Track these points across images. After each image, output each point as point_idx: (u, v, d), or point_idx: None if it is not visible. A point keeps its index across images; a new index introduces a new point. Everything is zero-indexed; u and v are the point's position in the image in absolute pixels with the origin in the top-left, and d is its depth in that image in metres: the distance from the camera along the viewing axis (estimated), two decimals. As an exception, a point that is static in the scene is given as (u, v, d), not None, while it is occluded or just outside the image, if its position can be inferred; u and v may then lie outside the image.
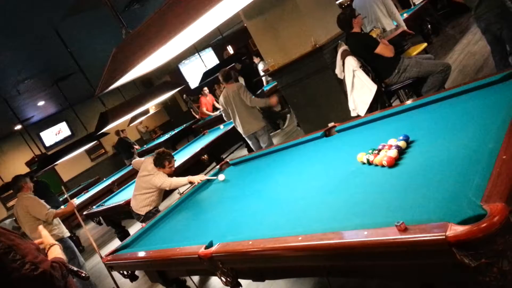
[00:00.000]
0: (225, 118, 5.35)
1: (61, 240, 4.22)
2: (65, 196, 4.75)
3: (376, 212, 1.45)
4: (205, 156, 5.25)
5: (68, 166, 12.09)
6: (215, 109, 9.98)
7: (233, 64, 8.37)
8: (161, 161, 3.76)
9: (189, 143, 7.18)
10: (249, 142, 5.11)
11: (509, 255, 1.05)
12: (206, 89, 9.87)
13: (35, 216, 4.07)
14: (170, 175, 3.85)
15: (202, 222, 2.49)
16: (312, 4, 4.28)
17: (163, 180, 3.72)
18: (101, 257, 4.36)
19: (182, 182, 3.64)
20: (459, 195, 1.24)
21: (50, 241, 1.94)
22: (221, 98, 5.03)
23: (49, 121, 12.38)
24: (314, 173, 2.24)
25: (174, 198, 4.70)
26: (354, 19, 3.78)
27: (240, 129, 4.97)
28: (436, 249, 1.08)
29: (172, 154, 3.92)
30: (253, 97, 4.79)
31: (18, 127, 9.67)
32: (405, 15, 6.60)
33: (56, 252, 1.85)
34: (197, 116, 10.38)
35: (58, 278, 1.63)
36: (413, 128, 2.05)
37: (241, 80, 7.62)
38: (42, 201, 4.25)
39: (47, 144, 12.34)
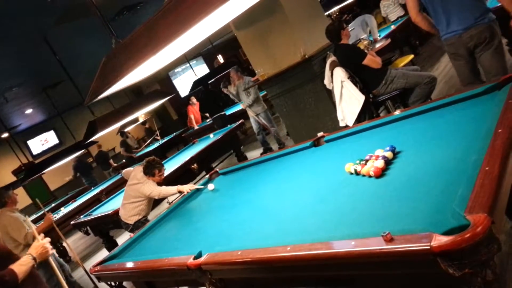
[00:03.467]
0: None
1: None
2: (42, 211, 4.65)
3: (363, 222, 1.47)
4: (195, 165, 5.24)
5: (56, 175, 11.94)
6: (203, 116, 10.06)
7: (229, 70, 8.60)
8: (150, 170, 3.75)
9: (179, 152, 7.16)
10: (253, 121, 6.49)
11: (492, 265, 1.07)
12: (193, 98, 9.99)
13: (13, 237, 3.82)
14: (160, 183, 3.83)
15: (191, 232, 2.48)
16: (301, 16, 4.34)
17: (152, 188, 3.70)
18: (85, 271, 4.29)
19: (172, 191, 3.63)
20: (443, 205, 1.27)
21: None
22: (231, 91, 6.54)
23: (36, 129, 12.25)
24: (303, 183, 2.25)
25: (163, 207, 4.68)
26: (343, 30, 3.84)
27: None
28: (421, 259, 1.10)
29: (162, 162, 3.90)
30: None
31: (5, 135, 9.54)
32: (393, 27, 6.75)
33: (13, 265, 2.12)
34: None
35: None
36: (400, 138, 2.08)
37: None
38: (23, 217, 4.11)
39: (35, 152, 12.19)
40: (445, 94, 2.62)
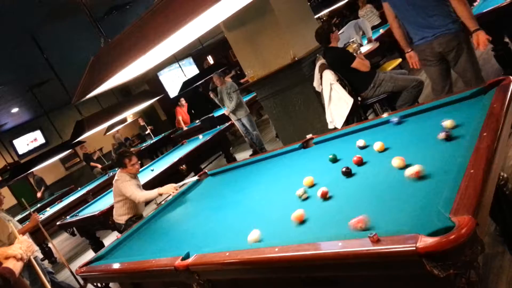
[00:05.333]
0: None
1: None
2: (28, 211, 4.59)
3: (350, 224, 1.48)
4: (184, 166, 5.22)
5: (42, 175, 11.74)
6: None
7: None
8: (120, 161, 3.66)
9: (167, 152, 7.13)
10: (238, 125, 6.53)
11: (476, 266, 1.09)
12: (182, 100, 9.94)
13: None
14: (135, 175, 3.76)
15: (179, 233, 2.47)
16: (291, 18, 4.36)
17: (130, 191, 3.62)
18: (71, 272, 4.24)
19: (152, 195, 3.55)
20: (429, 207, 1.29)
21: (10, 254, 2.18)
22: (218, 93, 6.61)
23: (23, 129, 12.06)
24: (292, 184, 2.25)
25: (151, 208, 4.64)
26: (332, 33, 3.87)
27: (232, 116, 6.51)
28: (407, 260, 1.11)
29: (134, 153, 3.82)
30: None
31: (-10, 134, 9.40)
32: (381, 31, 6.82)
33: (8, 263, 2.08)
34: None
35: None
36: (387, 141, 2.10)
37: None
38: (7, 217, 4.06)
39: (20, 152, 12.00)
40: (432, 98, 2.67)
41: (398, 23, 3.17)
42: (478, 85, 2.07)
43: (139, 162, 3.84)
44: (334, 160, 2.21)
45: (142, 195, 3.62)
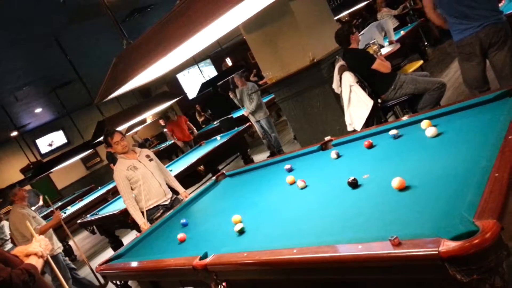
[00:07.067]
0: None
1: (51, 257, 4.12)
2: (50, 208, 4.70)
3: (370, 226, 1.46)
4: (202, 167, 5.25)
5: (63, 174, 12.04)
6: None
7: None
8: (105, 141, 3.59)
9: (186, 153, 7.19)
10: (256, 127, 6.60)
11: (501, 272, 1.07)
12: (171, 113, 9.04)
13: (22, 233, 4.04)
14: (124, 152, 3.58)
15: (197, 232, 2.49)
16: (310, 20, 4.35)
17: (120, 189, 3.53)
18: (91, 269, 4.31)
19: (135, 217, 3.51)
20: (452, 211, 1.26)
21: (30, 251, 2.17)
22: (237, 95, 6.71)
23: (45, 129, 12.36)
24: (310, 186, 2.25)
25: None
26: (352, 35, 3.84)
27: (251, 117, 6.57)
28: (429, 264, 1.09)
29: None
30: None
31: (14, 133, 9.65)
32: (402, 32, 6.74)
33: (29, 260, 2.08)
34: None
35: (18, 284, 1.83)
36: (408, 144, 2.08)
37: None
38: (32, 213, 4.19)
39: (43, 151, 12.30)
40: (455, 100, 2.62)
41: (436, 12, 3.15)
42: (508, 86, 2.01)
43: (124, 138, 3.61)
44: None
45: (130, 205, 3.51)
